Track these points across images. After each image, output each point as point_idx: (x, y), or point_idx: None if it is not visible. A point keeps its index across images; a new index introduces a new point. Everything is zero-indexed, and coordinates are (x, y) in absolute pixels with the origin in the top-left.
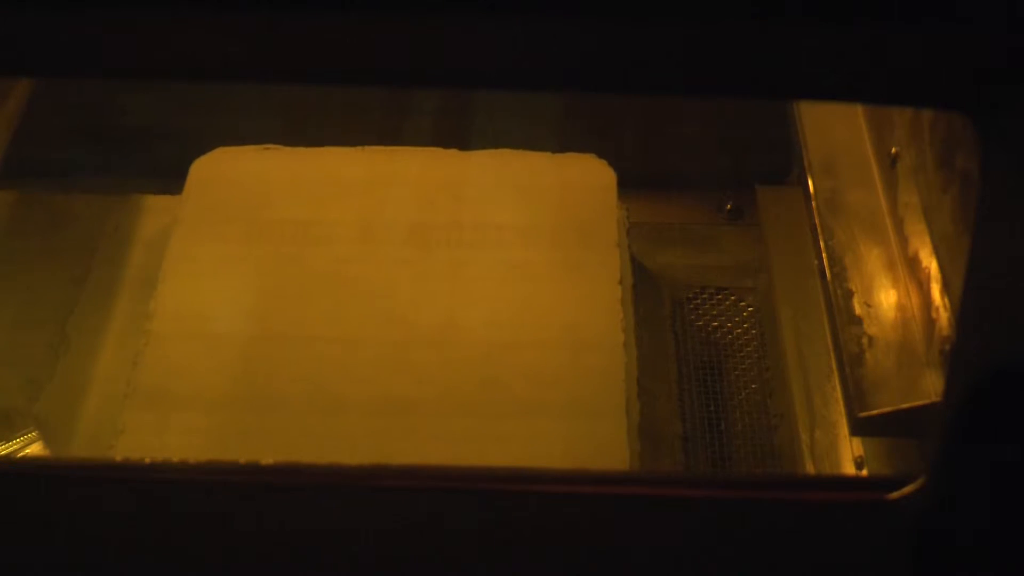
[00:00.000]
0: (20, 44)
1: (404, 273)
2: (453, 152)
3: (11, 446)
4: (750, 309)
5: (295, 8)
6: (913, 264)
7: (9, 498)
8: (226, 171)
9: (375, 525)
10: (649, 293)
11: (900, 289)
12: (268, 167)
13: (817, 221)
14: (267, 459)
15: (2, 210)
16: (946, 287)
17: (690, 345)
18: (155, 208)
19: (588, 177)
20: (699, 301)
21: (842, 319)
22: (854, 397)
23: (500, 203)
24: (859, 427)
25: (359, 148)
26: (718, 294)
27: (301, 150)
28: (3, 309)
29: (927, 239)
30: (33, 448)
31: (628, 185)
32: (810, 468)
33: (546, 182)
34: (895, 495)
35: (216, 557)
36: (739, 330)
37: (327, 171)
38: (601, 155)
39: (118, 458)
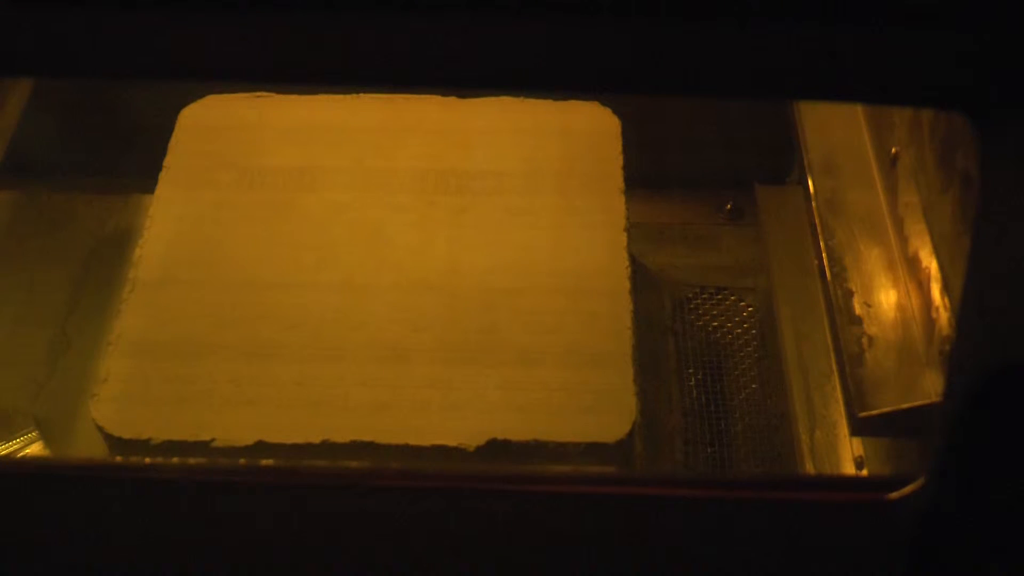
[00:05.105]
0: (20, 44)
1: (402, 219)
2: (452, 99)
3: (11, 446)
4: (750, 309)
5: (295, 8)
6: (913, 264)
7: (9, 498)
8: (216, 118)
9: (375, 525)
10: (649, 293)
11: (900, 289)
12: (260, 114)
13: (817, 221)
14: (267, 461)
15: (2, 210)
16: (946, 287)
17: (690, 345)
18: None
19: (592, 123)
20: (699, 301)
21: (842, 319)
22: (854, 397)
23: (501, 149)
24: (859, 427)
25: (354, 95)
26: (718, 294)
27: (294, 97)
28: (3, 309)
29: (927, 239)
30: (33, 448)
31: (628, 185)
32: (810, 468)
33: (549, 128)
34: (895, 495)
35: (216, 556)
36: (739, 330)
37: (322, 118)
38: None
39: (117, 460)
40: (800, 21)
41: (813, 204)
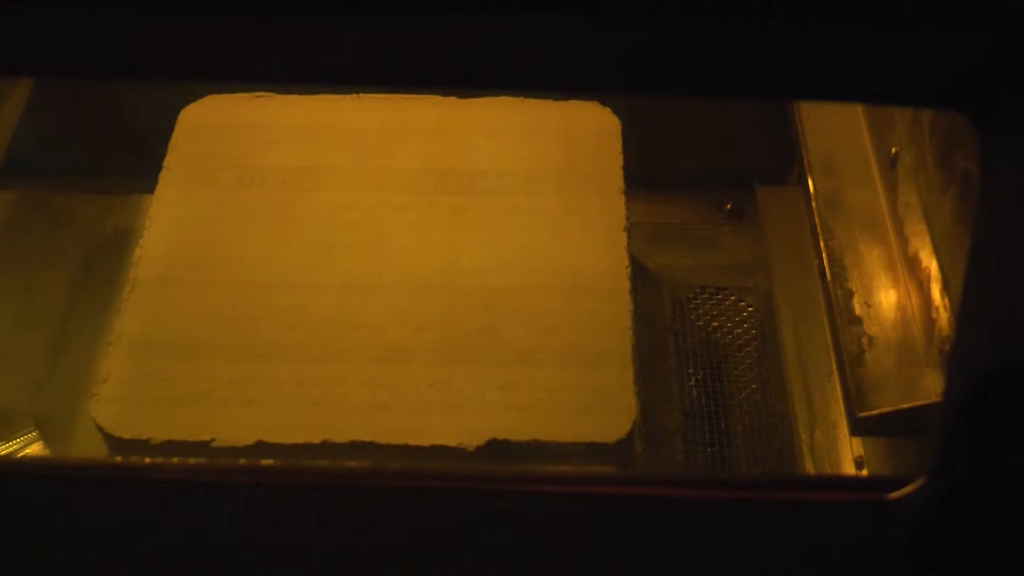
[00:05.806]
0: (20, 44)
1: (402, 219)
2: (452, 99)
3: (11, 446)
4: (750, 309)
5: (295, 8)
6: (913, 264)
7: (9, 498)
8: (217, 118)
9: (375, 525)
10: (649, 293)
11: (900, 289)
12: (261, 114)
13: (817, 221)
14: (267, 461)
15: (2, 210)
16: (946, 287)
17: (690, 345)
18: None
19: (591, 123)
20: (699, 301)
21: (842, 319)
22: (854, 397)
23: (501, 149)
24: (859, 427)
25: (355, 95)
26: (718, 294)
27: (295, 97)
28: (3, 309)
29: (927, 239)
30: (33, 448)
31: (628, 185)
32: (810, 468)
33: (548, 128)
34: (895, 495)
35: (216, 557)
36: (739, 330)
37: (322, 118)
38: None
39: (117, 460)
40: (800, 21)
41: (813, 204)
